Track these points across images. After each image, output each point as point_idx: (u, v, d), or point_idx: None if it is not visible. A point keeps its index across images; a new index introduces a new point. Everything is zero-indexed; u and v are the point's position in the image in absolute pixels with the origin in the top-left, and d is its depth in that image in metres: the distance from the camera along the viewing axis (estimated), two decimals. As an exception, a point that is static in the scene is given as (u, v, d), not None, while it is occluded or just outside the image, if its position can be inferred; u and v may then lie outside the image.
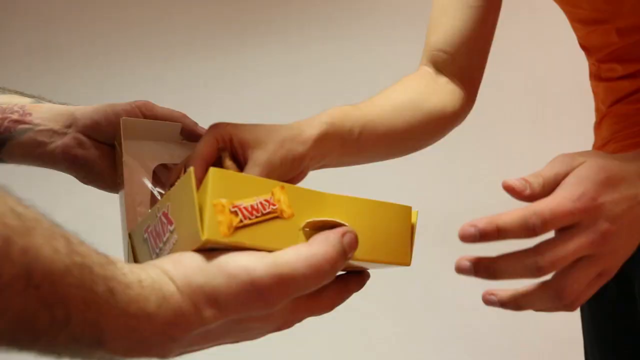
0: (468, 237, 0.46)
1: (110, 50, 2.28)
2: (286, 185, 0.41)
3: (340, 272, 0.44)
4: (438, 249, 1.96)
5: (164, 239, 0.41)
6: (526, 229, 0.47)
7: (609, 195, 0.49)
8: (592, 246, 0.48)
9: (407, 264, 0.46)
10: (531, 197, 0.50)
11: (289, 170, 0.58)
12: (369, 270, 0.46)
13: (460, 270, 0.48)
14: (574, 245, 0.48)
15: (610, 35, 0.76)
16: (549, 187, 0.50)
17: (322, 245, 0.38)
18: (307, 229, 0.41)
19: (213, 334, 0.38)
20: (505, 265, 0.48)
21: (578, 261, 0.49)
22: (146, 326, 0.34)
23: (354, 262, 0.43)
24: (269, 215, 0.39)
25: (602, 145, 0.86)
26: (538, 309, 0.52)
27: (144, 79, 2.21)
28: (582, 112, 0.92)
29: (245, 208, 0.38)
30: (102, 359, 0.35)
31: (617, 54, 0.77)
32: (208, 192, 0.38)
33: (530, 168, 1.99)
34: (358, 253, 0.41)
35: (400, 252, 0.45)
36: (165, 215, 0.41)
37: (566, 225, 0.48)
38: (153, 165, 0.58)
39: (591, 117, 0.88)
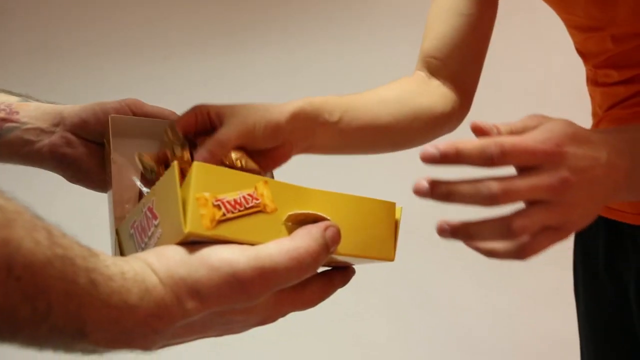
0: (428, 158, 0.46)
1: (109, 50, 2.28)
2: (269, 180, 0.41)
3: (325, 268, 0.45)
4: (432, 250, 1.96)
5: (149, 234, 0.42)
6: (484, 156, 0.46)
7: (574, 148, 0.49)
8: (549, 190, 0.48)
9: (391, 259, 0.46)
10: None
11: (264, 137, 0.58)
12: (354, 266, 0.46)
13: (417, 189, 0.47)
14: (531, 182, 0.47)
15: (605, 42, 0.76)
16: (517, 134, 0.50)
17: (304, 239, 0.39)
18: (290, 223, 0.41)
19: (196, 326, 0.38)
20: (460, 187, 0.47)
21: (534, 204, 0.48)
22: (128, 318, 0.34)
23: (337, 257, 0.43)
24: (251, 210, 0.40)
25: None
26: (488, 241, 0.51)
27: (143, 79, 2.21)
28: (580, 115, 0.92)
29: (228, 202, 0.39)
30: (85, 350, 0.35)
31: (612, 61, 0.77)
32: (191, 186, 0.38)
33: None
34: (341, 248, 0.41)
35: (384, 248, 0.45)
36: (150, 210, 0.42)
37: (527, 166, 0.48)
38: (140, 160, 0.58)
39: (588, 121, 0.88)
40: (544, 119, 0.52)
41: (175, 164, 0.39)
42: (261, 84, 2.16)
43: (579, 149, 0.50)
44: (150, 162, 0.55)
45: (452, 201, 0.47)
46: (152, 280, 0.36)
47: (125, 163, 0.56)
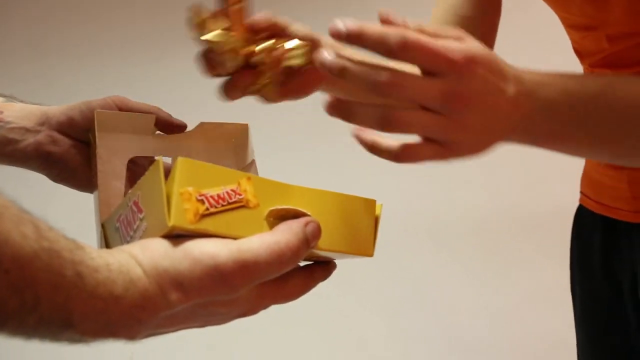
0: (335, 33, 0.45)
1: (104, 49, 2.27)
2: (252, 176, 0.42)
3: (307, 262, 0.46)
4: (429, 250, 1.97)
5: (135, 227, 0.43)
6: (384, 44, 0.44)
7: (483, 71, 0.47)
8: (441, 96, 0.45)
9: (370, 255, 0.47)
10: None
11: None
12: (335, 261, 0.47)
13: (332, 33, 0.46)
14: (423, 82, 0.45)
15: (601, 42, 0.77)
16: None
17: (285, 234, 0.40)
18: (271, 219, 0.42)
19: (179, 317, 0.39)
20: (356, 67, 0.45)
21: (423, 108, 0.46)
22: (114, 308, 0.35)
23: (318, 252, 0.44)
24: (234, 205, 0.41)
25: None
26: (367, 127, 0.48)
27: (138, 78, 2.20)
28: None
29: (211, 197, 0.40)
30: (71, 340, 0.36)
31: (608, 60, 0.78)
32: (175, 180, 0.39)
33: (522, 170, 2.01)
34: (322, 243, 0.42)
35: (364, 244, 0.46)
36: (136, 204, 0.43)
37: (430, 70, 0.46)
38: (127, 157, 0.58)
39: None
40: (467, 37, 0.48)
41: (159, 159, 0.40)
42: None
43: (488, 73, 0.47)
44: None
45: (343, 76, 0.46)
46: (137, 272, 0.37)
47: (111, 157, 0.57)
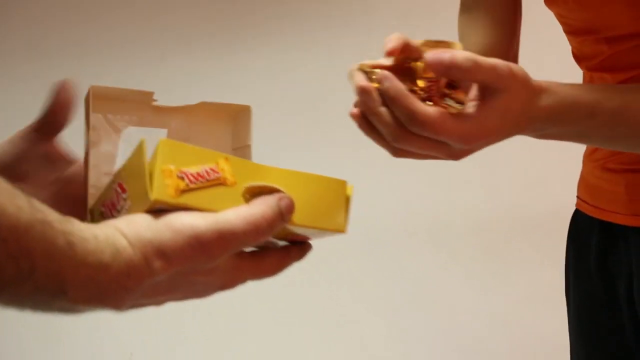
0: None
1: (102, 49, 2.28)
2: (230, 157, 0.45)
3: (284, 243, 0.49)
4: (428, 251, 1.97)
5: (119, 208, 0.45)
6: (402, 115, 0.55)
7: (483, 144, 0.58)
8: (445, 156, 0.58)
9: (343, 231, 0.49)
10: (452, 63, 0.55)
11: None
12: (311, 242, 0.50)
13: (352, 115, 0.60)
14: (429, 152, 0.58)
15: (599, 44, 0.77)
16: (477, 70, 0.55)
17: (260, 206, 0.43)
18: (248, 195, 0.45)
19: (162, 286, 0.42)
20: (378, 116, 0.57)
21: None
22: (103, 276, 0.38)
23: (292, 229, 0.47)
24: (213, 182, 0.43)
25: (593, 150, 0.88)
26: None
27: (138, 79, 2.20)
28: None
29: (191, 174, 0.43)
30: (62, 309, 0.39)
31: (607, 63, 0.78)
32: (157, 159, 0.42)
33: (522, 170, 2.01)
34: (295, 218, 0.45)
35: (336, 220, 0.49)
36: (120, 185, 0.45)
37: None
38: (122, 130, 0.57)
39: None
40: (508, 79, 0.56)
41: (142, 140, 0.43)
42: (257, 84, 2.16)
43: (488, 142, 0.58)
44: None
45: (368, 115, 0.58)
46: (122, 242, 0.39)
47: (105, 132, 0.56)
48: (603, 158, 0.85)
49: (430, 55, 0.54)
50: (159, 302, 0.44)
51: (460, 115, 0.56)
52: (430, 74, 0.57)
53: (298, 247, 0.49)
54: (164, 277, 0.40)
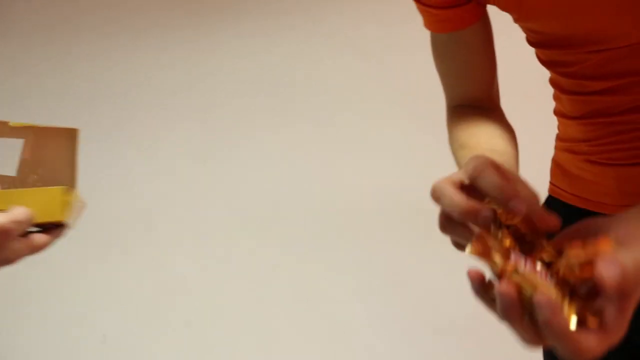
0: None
1: (106, 46, 2.24)
2: None
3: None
4: (403, 232, 1.99)
5: None
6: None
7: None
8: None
9: (63, 220, 0.70)
10: None
11: None
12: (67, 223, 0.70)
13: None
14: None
15: (582, 55, 0.75)
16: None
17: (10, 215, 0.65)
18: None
19: None
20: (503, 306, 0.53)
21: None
22: None
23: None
24: None
25: (572, 141, 0.87)
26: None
27: (140, 79, 2.17)
28: (545, 102, 0.94)
29: None
30: None
31: (588, 71, 0.76)
32: None
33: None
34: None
35: (57, 215, 0.70)
36: None
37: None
38: None
39: (551, 121, 0.90)
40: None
41: None
42: (227, 67, 2.14)
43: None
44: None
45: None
46: None
47: None
48: (589, 153, 0.83)
49: (605, 270, 0.47)
50: None
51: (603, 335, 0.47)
52: (586, 275, 0.50)
53: (55, 228, 0.70)
54: None
